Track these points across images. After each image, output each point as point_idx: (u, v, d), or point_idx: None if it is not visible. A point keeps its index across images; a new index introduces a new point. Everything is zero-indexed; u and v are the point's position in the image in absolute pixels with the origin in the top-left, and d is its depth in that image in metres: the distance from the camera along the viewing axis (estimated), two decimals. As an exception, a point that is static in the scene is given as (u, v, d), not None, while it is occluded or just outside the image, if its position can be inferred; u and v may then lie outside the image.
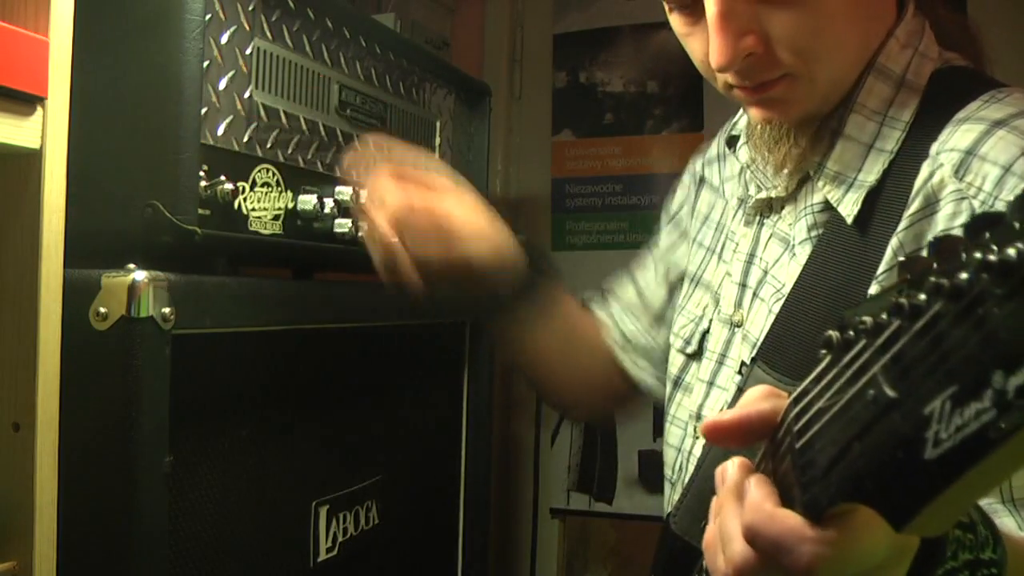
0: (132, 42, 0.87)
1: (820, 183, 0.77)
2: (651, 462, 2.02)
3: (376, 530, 1.19)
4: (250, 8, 0.95)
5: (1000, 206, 0.65)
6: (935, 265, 0.33)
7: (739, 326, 0.86)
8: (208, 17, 0.88)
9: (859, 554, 0.44)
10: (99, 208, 0.86)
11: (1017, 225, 0.29)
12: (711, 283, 0.94)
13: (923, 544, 0.48)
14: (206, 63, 0.88)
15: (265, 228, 0.97)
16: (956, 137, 0.70)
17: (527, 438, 2.10)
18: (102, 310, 0.79)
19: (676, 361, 0.96)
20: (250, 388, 0.97)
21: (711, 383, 0.88)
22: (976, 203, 0.66)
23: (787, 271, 0.80)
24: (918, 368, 0.32)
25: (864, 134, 0.76)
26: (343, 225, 1.07)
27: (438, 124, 1.38)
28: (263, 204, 0.97)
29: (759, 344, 0.79)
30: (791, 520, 0.44)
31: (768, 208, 0.85)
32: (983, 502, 0.66)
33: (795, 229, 0.81)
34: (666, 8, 0.80)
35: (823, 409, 0.41)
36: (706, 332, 0.91)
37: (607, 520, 2.09)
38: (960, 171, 0.68)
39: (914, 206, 0.70)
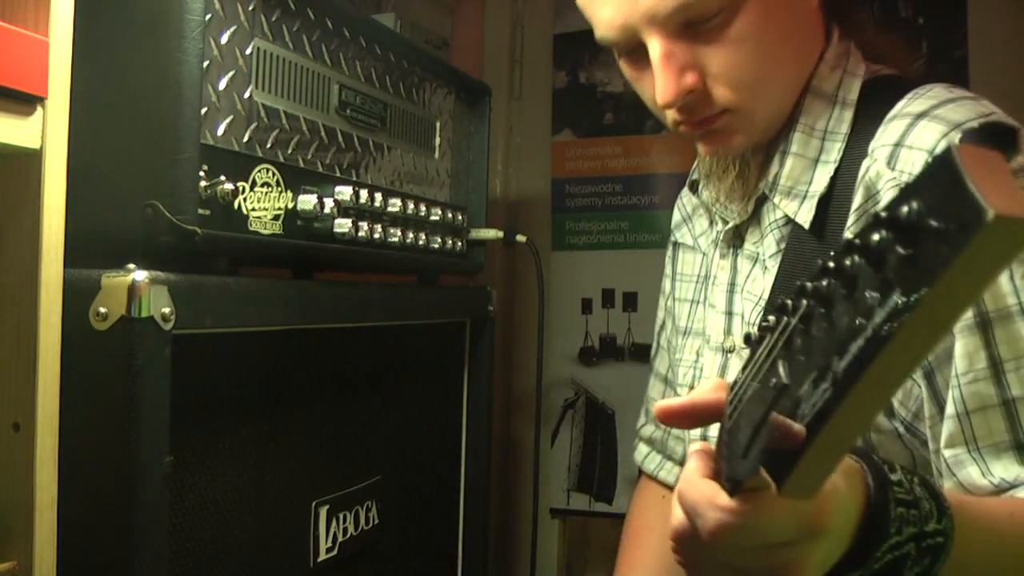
0: (132, 42, 0.87)
1: (777, 199, 0.85)
2: (651, 462, 2.02)
3: (376, 530, 1.19)
4: (250, 8, 0.95)
5: None
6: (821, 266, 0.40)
7: (731, 351, 0.90)
8: (208, 17, 0.88)
9: (762, 526, 0.49)
10: (99, 208, 0.86)
11: (857, 242, 0.36)
12: (699, 327, 1.01)
13: (865, 523, 0.53)
14: (206, 63, 0.88)
15: (265, 228, 0.97)
16: (887, 133, 0.78)
17: (527, 438, 2.09)
18: (102, 310, 0.79)
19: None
20: (250, 388, 0.97)
21: None
22: None
23: (761, 283, 0.87)
24: (799, 357, 0.40)
25: (809, 150, 0.84)
26: (343, 225, 1.07)
27: (438, 124, 1.38)
28: (263, 204, 0.97)
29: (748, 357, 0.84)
30: (706, 488, 0.51)
31: (739, 238, 0.92)
32: (950, 454, 0.73)
33: (763, 245, 0.88)
34: (616, 56, 0.90)
35: (744, 395, 0.49)
36: (702, 369, 0.95)
37: (607, 520, 2.09)
38: (892, 161, 0.76)
39: (857, 200, 0.78)
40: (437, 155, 1.38)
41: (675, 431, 1.16)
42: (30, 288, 0.72)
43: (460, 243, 1.40)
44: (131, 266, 0.80)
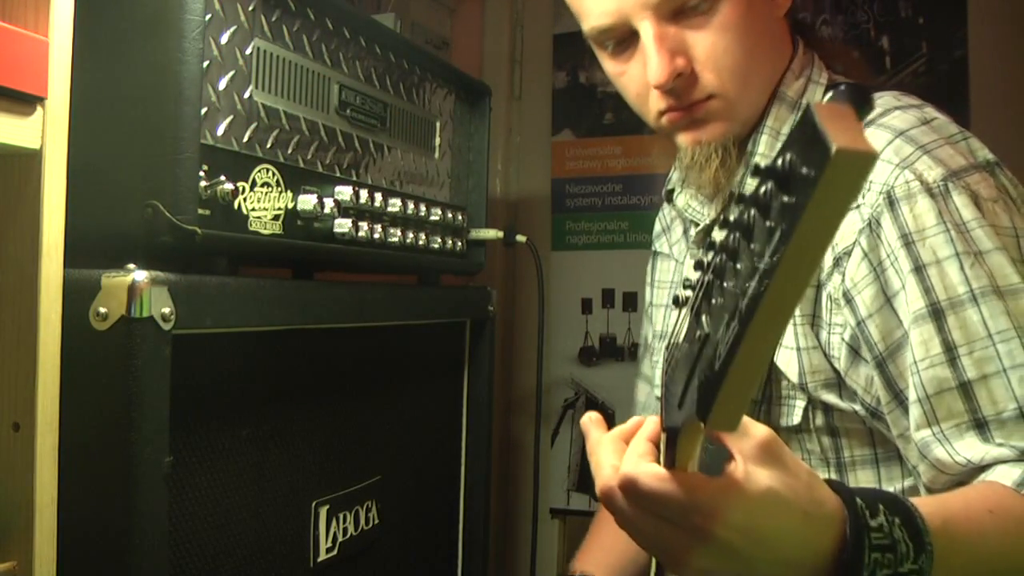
0: (132, 42, 0.87)
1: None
2: (651, 462, 2.02)
3: (376, 530, 1.19)
4: (250, 8, 0.95)
5: (875, 187, 0.78)
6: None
7: None
8: (208, 17, 0.88)
9: (657, 498, 0.54)
10: (99, 208, 0.86)
11: (748, 194, 0.41)
12: (669, 330, 1.04)
13: (838, 567, 0.57)
14: (206, 63, 0.88)
15: (265, 228, 0.97)
16: None
17: (527, 438, 2.09)
18: (102, 310, 0.79)
19: None
20: (250, 388, 0.97)
21: None
22: None
23: None
24: (716, 308, 0.45)
25: (774, 152, 0.90)
26: (343, 225, 1.07)
27: (438, 124, 1.38)
28: (263, 204, 0.97)
29: None
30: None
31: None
32: (919, 437, 0.76)
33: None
34: (599, 54, 0.94)
35: (677, 352, 0.53)
36: None
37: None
38: None
39: None
40: (437, 155, 1.38)
41: None
42: (30, 288, 0.72)
43: (460, 243, 1.40)
44: (131, 266, 0.80)
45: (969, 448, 0.74)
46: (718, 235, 0.46)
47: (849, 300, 0.80)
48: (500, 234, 1.47)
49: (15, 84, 0.68)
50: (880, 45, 1.87)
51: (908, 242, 0.76)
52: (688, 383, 0.48)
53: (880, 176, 0.78)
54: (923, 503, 0.62)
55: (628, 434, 0.62)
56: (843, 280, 0.80)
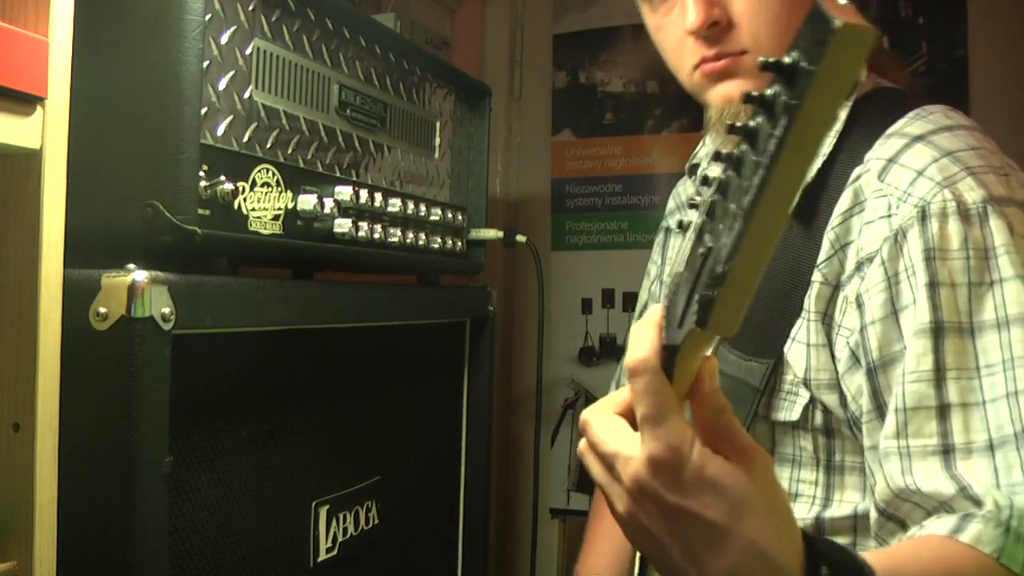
0: (132, 42, 0.87)
1: None
2: (651, 462, 2.02)
3: (376, 530, 1.19)
4: (250, 8, 0.95)
5: (912, 200, 0.78)
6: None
7: None
8: (208, 17, 0.88)
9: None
10: (99, 208, 0.86)
11: (756, 95, 0.43)
12: None
13: None
14: (206, 63, 0.88)
15: (265, 228, 0.97)
16: (884, 148, 0.84)
17: (527, 438, 2.09)
18: (102, 310, 0.79)
19: None
20: (250, 388, 0.97)
21: None
22: (892, 199, 0.79)
23: None
24: (719, 218, 0.46)
25: None
26: (343, 225, 1.07)
27: (438, 124, 1.38)
28: (263, 204, 0.97)
29: None
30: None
31: None
32: (884, 445, 0.76)
33: None
34: (643, 8, 0.97)
35: (680, 273, 0.53)
36: None
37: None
38: (883, 175, 0.82)
39: (845, 203, 0.83)
40: (437, 155, 1.38)
41: None
42: (30, 288, 0.72)
43: (460, 243, 1.40)
44: (131, 266, 0.80)
45: (924, 475, 0.73)
46: (724, 152, 0.47)
47: (860, 304, 0.80)
48: (500, 234, 1.47)
49: (15, 84, 0.68)
50: (880, 45, 1.87)
51: (929, 257, 0.76)
52: (689, 300, 0.49)
53: (919, 191, 0.79)
54: (881, 556, 0.60)
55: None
56: (860, 284, 0.80)
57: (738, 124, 0.44)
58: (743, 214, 0.42)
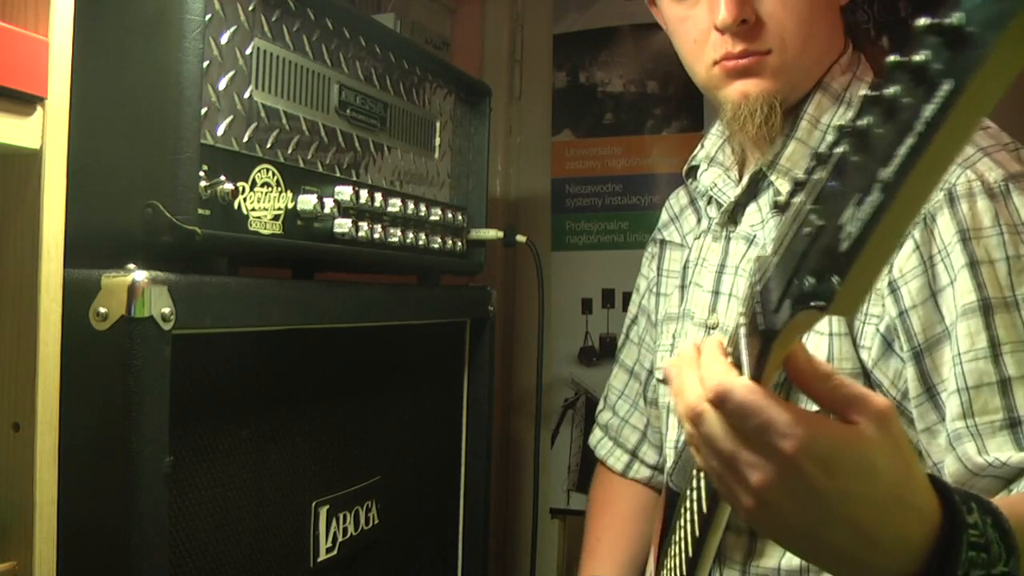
0: (132, 42, 0.87)
1: (773, 177, 0.92)
2: (651, 462, 2.02)
3: (376, 530, 1.19)
4: (250, 8, 0.95)
5: (937, 195, 0.79)
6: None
7: (715, 328, 0.94)
8: (208, 17, 0.88)
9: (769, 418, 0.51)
10: (99, 208, 0.86)
11: (891, 65, 0.40)
12: (678, 312, 1.07)
13: (933, 563, 0.54)
14: (206, 63, 0.88)
15: (265, 228, 0.97)
16: None
17: (527, 438, 2.09)
18: (102, 310, 0.79)
19: (664, 392, 1.06)
20: (250, 388, 0.97)
21: None
22: None
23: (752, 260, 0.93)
24: (835, 196, 0.44)
25: (811, 139, 0.92)
26: (343, 225, 1.07)
27: (438, 124, 1.38)
28: (263, 204, 0.97)
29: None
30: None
31: (732, 221, 0.98)
32: (952, 428, 0.76)
33: (765, 229, 0.94)
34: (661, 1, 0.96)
35: (774, 255, 0.51)
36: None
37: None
38: None
39: None
40: (437, 155, 1.38)
41: (631, 420, 1.26)
42: (30, 288, 0.72)
43: (460, 243, 1.40)
44: (131, 266, 0.80)
45: (999, 448, 0.74)
46: (843, 129, 0.45)
47: (894, 290, 0.81)
48: (500, 234, 1.47)
49: (15, 84, 0.68)
50: (880, 45, 1.86)
51: (965, 238, 0.78)
52: (790, 283, 0.47)
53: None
54: (1000, 504, 0.60)
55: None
56: (890, 271, 0.81)
57: (871, 92, 0.42)
58: (883, 184, 0.39)
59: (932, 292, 0.79)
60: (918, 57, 0.39)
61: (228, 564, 0.93)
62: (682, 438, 0.98)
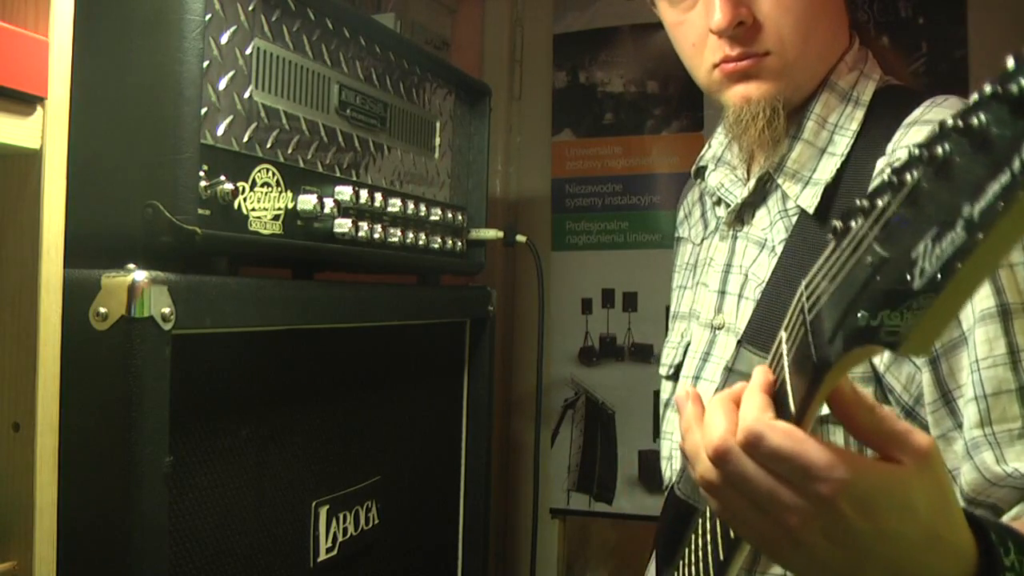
0: (132, 42, 0.87)
1: (781, 180, 0.91)
2: (651, 462, 2.02)
3: (376, 530, 1.19)
4: (250, 8, 0.95)
5: None
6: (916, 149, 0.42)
7: (720, 328, 0.93)
8: (208, 17, 0.88)
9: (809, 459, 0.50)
10: (99, 208, 0.86)
11: (985, 96, 0.38)
12: (686, 310, 1.06)
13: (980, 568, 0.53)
14: (206, 63, 0.88)
15: (265, 228, 0.97)
16: (909, 136, 0.83)
17: (527, 438, 2.09)
18: (102, 310, 0.79)
19: (666, 388, 1.10)
20: (250, 388, 0.97)
21: (697, 377, 0.94)
22: None
23: (767, 266, 0.91)
24: (904, 227, 0.41)
25: (818, 140, 0.90)
26: (343, 225, 1.07)
27: (438, 124, 1.38)
28: (263, 204, 0.97)
29: (744, 328, 0.90)
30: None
31: (739, 221, 0.97)
32: (970, 436, 0.76)
33: (773, 231, 0.93)
34: (657, 1, 0.95)
35: (830, 283, 0.49)
36: (688, 345, 0.98)
37: (607, 520, 2.09)
38: None
39: None
40: (437, 155, 1.38)
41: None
42: (30, 288, 0.72)
43: (460, 243, 1.40)
44: (131, 266, 0.80)
45: (1017, 457, 0.73)
46: (919, 150, 0.42)
47: None
48: (500, 234, 1.47)
49: (15, 84, 0.68)
50: (886, 45, 1.87)
51: None
52: (847, 314, 0.44)
53: None
54: None
55: (738, 395, 0.57)
56: None
57: (958, 123, 0.39)
58: (971, 222, 0.36)
59: None
60: (1014, 88, 0.37)
61: (228, 564, 0.93)
62: (677, 460, 0.98)
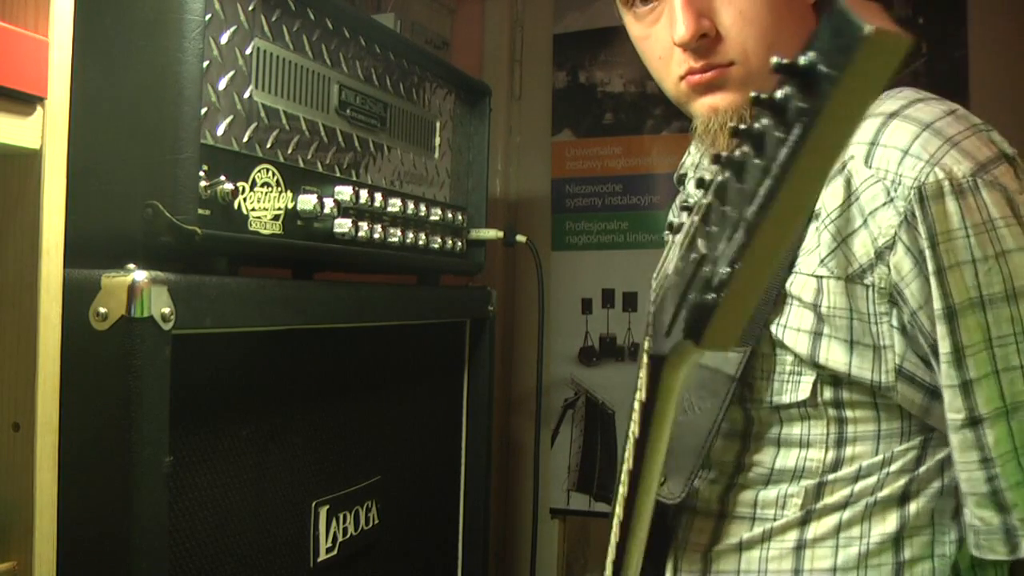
0: (132, 42, 0.87)
1: None
2: (651, 462, 2.02)
3: (376, 530, 1.19)
4: (250, 8, 0.95)
5: (906, 182, 0.79)
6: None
7: None
8: (208, 17, 0.88)
9: None
10: (99, 208, 0.86)
11: (764, 97, 0.39)
12: None
13: None
14: (206, 63, 0.88)
15: (265, 228, 0.97)
16: (861, 132, 0.83)
17: (527, 438, 2.09)
18: (102, 310, 0.79)
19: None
20: (250, 388, 0.97)
21: None
22: (887, 183, 0.80)
23: None
24: (716, 224, 0.43)
25: None
26: (343, 225, 1.07)
27: (438, 124, 1.38)
28: (263, 204, 0.97)
29: None
30: None
31: None
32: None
33: None
34: (626, 17, 0.96)
35: (668, 277, 0.51)
36: None
37: (607, 520, 2.08)
38: (868, 159, 0.82)
39: (839, 195, 0.83)
40: (437, 155, 1.38)
41: None
42: (30, 288, 0.72)
43: (460, 243, 1.40)
44: (131, 266, 0.80)
45: (959, 445, 0.79)
46: (724, 154, 0.44)
47: (899, 292, 0.82)
48: (500, 234, 1.47)
49: (15, 84, 0.69)
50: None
51: (934, 244, 0.79)
52: (679, 308, 0.46)
53: (909, 172, 0.80)
54: None
55: None
56: (890, 272, 0.81)
57: (741, 127, 0.41)
58: (746, 223, 0.39)
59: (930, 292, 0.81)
60: (778, 94, 0.38)
61: (228, 564, 0.93)
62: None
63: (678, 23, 0.85)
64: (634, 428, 0.63)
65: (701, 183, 0.48)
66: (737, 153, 0.42)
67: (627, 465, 0.70)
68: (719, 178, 0.44)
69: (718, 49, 0.87)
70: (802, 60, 0.38)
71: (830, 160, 0.38)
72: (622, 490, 0.73)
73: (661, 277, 0.55)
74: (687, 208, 0.53)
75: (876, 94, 0.37)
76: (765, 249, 0.39)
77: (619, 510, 0.75)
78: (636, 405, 0.63)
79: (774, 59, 0.39)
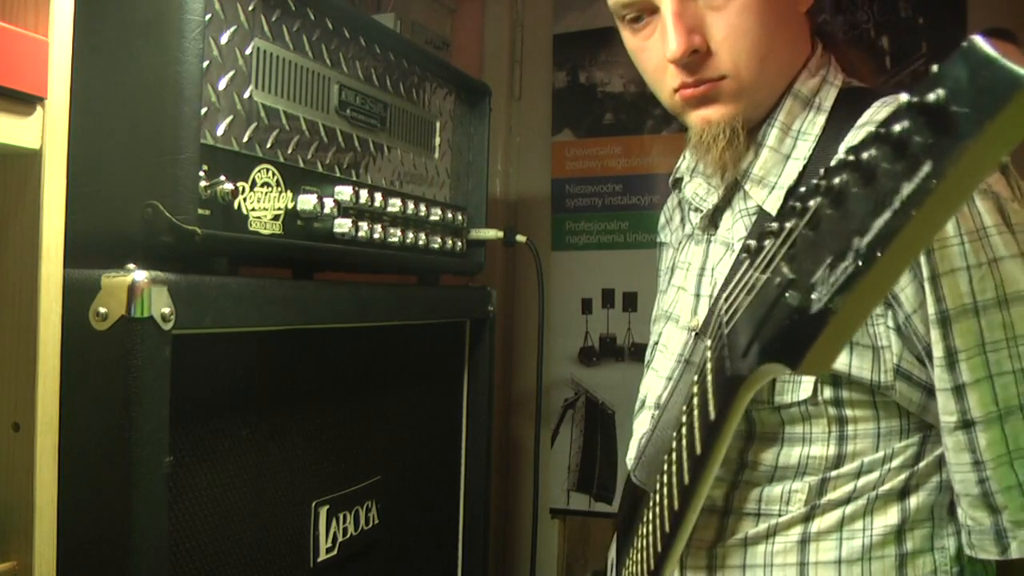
0: (132, 42, 0.87)
1: (748, 186, 0.93)
2: (651, 462, 2.02)
3: (376, 530, 1.19)
4: (250, 8, 0.95)
5: None
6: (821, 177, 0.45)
7: (695, 330, 0.96)
8: (208, 17, 0.88)
9: None
10: (99, 208, 0.86)
11: (881, 131, 0.39)
12: (662, 312, 1.09)
13: None
14: (206, 63, 0.88)
15: (265, 228, 0.97)
16: (855, 137, 0.85)
17: (527, 438, 2.10)
18: (102, 310, 0.79)
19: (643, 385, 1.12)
20: (250, 388, 0.97)
21: (669, 378, 0.98)
22: None
23: (727, 264, 0.94)
24: (807, 251, 0.44)
25: (783, 146, 0.92)
26: (343, 225, 1.07)
27: (438, 124, 1.38)
28: (263, 204, 0.97)
29: (703, 321, 0.94)
30: None
31: (713, 225, 1.00)
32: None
33: (734, 231, 0.96)
34: (622, 30, 0.98)
35: (744, 298, 0.51)
36: (666, 347, 1.05)
37: (607, 520, 2.08)
38: None
39: None
40: (437, 155, 1.38)
41: None
42: (30, 288, 0.72)
43: (460, 243, 1.40)
44: (131, 266, 0.80)
45: (952, 447, 0.80)
46: (819, 182, 0.44)
47: (895, 295, 0.83)
48: (500, 234, 1.47)
49: (15, 84, 0.69)
50: (880, 45, 1.87)
51: (928, 250, 0.80)
52: (758, 330, 0.47)
53: None
54: None
55: None
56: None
57: (850, 158, 0.41)
58: (859, 254, 0.38)
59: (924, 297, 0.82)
60: (897, 128, 0.38)
61: (228, 564, 0.93)
62: (645, 436, 1.00)
63: (670, 40, 0.87)
64: (696, 446, 0.64)
65: (793, 211, 0.47)
66: (836, 181, 0.42)
67: (678, 479, 0.71)
68: (811, 203, 0.44)
69: (709, 63, 0.88)
70: (931, 97, 0.36)
71: (960, 198, 0.37)
72: (669, 503, 0.74)
73: (729, 298, 0.55)
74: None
75: (1018, 140, 0.35)
76: (877, 281, 0.39)
77: (661, 522, 0.76)
78: (695, 423, 0.63)
79: (904, 97, 0.38)
